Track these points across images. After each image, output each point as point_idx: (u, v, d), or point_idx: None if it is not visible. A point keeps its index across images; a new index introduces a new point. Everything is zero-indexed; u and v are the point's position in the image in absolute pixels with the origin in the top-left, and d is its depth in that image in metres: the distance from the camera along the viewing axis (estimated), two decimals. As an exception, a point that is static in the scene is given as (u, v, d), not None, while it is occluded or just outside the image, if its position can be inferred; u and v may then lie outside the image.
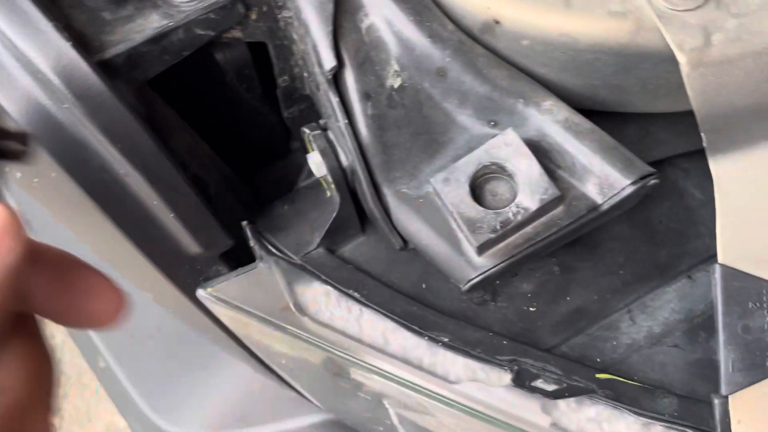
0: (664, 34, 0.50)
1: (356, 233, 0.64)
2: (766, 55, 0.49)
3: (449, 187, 0.54)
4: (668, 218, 0.65)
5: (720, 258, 0.53)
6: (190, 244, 0.58)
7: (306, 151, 0.62)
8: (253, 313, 0.60)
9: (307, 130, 0.59)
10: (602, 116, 0.60)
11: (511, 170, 0.53)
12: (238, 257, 0.65)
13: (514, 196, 0.54)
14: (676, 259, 0.63)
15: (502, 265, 0.55)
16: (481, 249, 0.53)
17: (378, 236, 0.64)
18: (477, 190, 0.55)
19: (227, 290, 0.61)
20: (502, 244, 0.54)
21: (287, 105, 0.69)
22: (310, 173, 0.68)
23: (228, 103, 0.71)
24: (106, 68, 0.50)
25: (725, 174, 0.54)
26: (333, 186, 0.61)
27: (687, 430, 0.54)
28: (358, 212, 0.62)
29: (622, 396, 0.56)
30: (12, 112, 0.47)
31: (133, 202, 0.53)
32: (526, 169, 0.53)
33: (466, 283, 0.55)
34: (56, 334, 1.93)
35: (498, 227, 0.52)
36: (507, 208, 0.52)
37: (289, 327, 0.60)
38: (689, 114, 0.53)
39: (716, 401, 0.52)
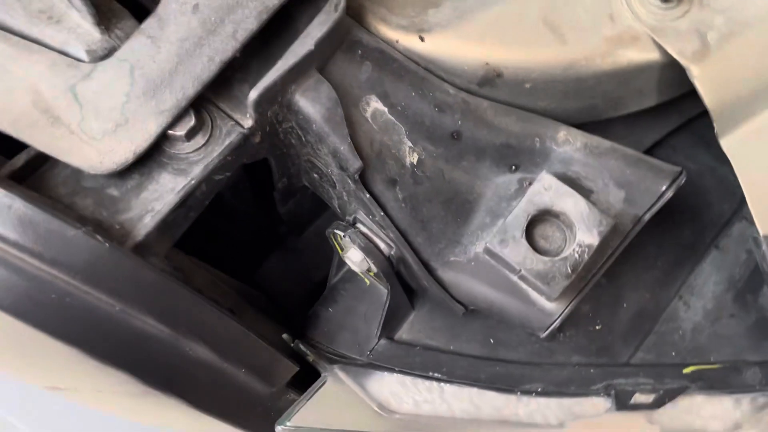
0: (664, 46, 0.52)
1: (408, 312, 0.62)
2: (757, 39, 0.52)
3: (508, 247, 0.53)
4: (677, 197, 0.68)
5: (762, 230, 0.56)
6: (261, 388, 0.55)
7: (337, 251, 0.60)
8: (343, 431, 0.58)
9: (339, 232, 0.57)
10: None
11: (557, 212, 0.54)
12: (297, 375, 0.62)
13: (565, 234, 0.54)
14: (699, 234, 0.66)
15: (574, 302, 0.55)
16: (560, 295, 0.53)
17: (429, 305, 0.63)
18: (530, 239, 0.55)
19: (307, 417, 0.58)
20: (571, 287, 0.54)
21: (284, 202, 0.66)
22: (339, 268, 0.65)
23: (223, 219, 0.67)
24: (139, 251, 0.45)
25: (738, 151, 0.57)
26: (375, 276, 0.59)
27: (779, 393, 0.57)
28: (405, 291, 0.61)
29: (713, 382, 0.58)
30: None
31: (204, 374, 0.49)
32: (572, 207, 0.53)
33: (545, 331, 0.56)
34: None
35: (569, 272, 0.52)
36: (570, 250, 0.53)
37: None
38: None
39: (800, 360, 0.56)
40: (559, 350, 0.61)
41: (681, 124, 0.70)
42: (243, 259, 0.76)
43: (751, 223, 0.67)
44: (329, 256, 0.79)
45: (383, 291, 0.62)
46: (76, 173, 0.47)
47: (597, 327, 0.62)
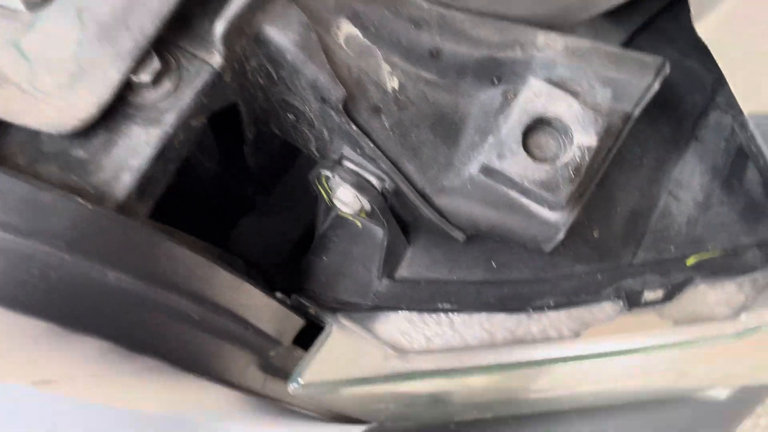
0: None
1: (405, 248, 0.59)
2: None
3: (507, 160, 0.51)
4: (651, 95, 0.67)
5: (745, 110, 0.56)
6: (269, 346, 0.51)
7: (322, 193, 0.56)
8: (360, 379, 0.55)
9: (326, 172, 0.53)
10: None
11: (551, 117, 0.52)
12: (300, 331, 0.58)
13: (559, 140, 0.53)
14: (678, 128, 0.66)
15: (576, 210, 0.54)
16: (566, 202, 0.51)
17: (425, 239, 0.60)
18: (526, 150, 0.53)
19: (318, 371, 0.55)
20: (575, 193, 0.53)
21: (254, 153, 0.62)
22: (326, 215, 0.62)
23: (188, 181, 0.62)
24: (122, 213, 0.40)
25: (715, 33, 0.56)
26: (368, 216, 0.56)
27: (781, 269, 0.58)
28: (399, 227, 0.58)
29: (716, 269, 0.59)
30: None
31: (212, 339, 0.45)
32: (566, 109, 0.51)
33: (551, 243, 0.54)
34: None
35: (572, 176, 0.51)
36: (571, 154, 0.51)
37: (398, 374, 0.56)
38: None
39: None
40: (561, 263, 0.60)
41: (642, 24, 0.69)
42: (213, 226, 0.71)
43: (725, 111, 0.68)
44: (305, 212, 0.76)
45: (378, 231, 0.59)
46: (34, 138, 0.42)
47: (594, 233, 0.61)
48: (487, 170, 0.52)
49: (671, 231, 0.61)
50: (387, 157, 0.52)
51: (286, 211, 0.74)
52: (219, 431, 0.93)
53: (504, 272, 0.59)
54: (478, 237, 0.60)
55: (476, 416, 0.89)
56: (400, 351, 0.56)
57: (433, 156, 0.54)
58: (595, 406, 0.98)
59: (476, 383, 0.59)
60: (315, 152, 0.57)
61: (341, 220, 0.60)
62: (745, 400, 1.02)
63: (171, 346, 0.43)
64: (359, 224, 0.59)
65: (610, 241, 0.61)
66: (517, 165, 0.51)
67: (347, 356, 0.56)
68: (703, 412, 0.98)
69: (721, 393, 0.87)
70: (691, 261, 0.59)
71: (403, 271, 0.59)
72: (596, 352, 0.56)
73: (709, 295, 0.59)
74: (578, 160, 0.51)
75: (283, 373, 0.55)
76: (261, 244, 0.74)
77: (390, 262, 0.58)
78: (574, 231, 0.61)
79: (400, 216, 0.57)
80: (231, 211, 0.73)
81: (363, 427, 0.99)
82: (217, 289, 0.44)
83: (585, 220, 0.62)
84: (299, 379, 0.54)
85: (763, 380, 0.88)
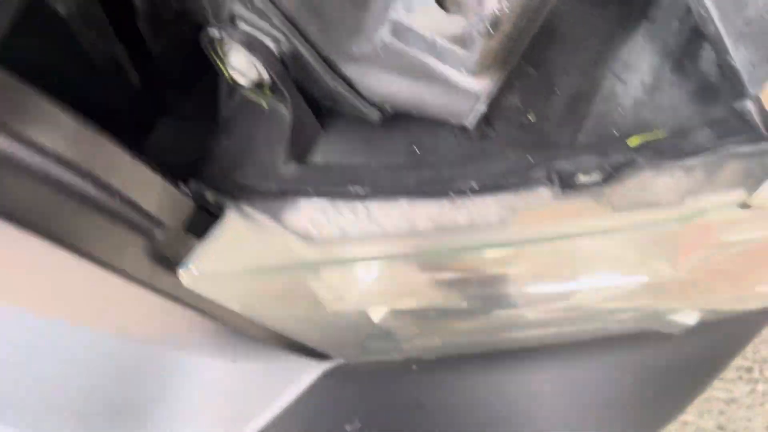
0: None
1: (316, 131, 0.54)
2: None
3: (416, 13, 0.45)
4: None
5: (694, -33, 0.50)
6: (149, 226, 0.46)
7: (218, 64, 0.51)
8: (261, 269, 0.50)
9: (215, 33, 0.47)
10: None
11: (468, -35, 0.46)
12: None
13: (479, -4, 0.47)
14: (626, 7, 0.60)
15: (501, 77, 0.48)
16: (483, 61, 0.46)
17: (341, 123, 0.55)
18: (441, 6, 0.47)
19: (213, 257, 0.49)
20: (493, 52, 0.47)
21: (154, 34, 0.56)
22: (229, 96, 0.56)
23: (86, 68, 0.56)
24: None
25: None
26: (272, 92, 0.50)
27: (733, 146, 0.52)
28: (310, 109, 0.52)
29: (663, 150, 0.53)
30: None
31: (61, 200, 0.40)
32: (484, -46, 0.46)
33: (472, 115, 0.49)
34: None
35: (489, 30, 0.45)
36: (487, 3, 0.45)
37: (305, 262, 0.50)
38: None
39: (749, 104, 0.50)
40: (491, 148, 0.54)
41: None
42: (125, 127, 0.65)
43: (679, -12, 0.61)
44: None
45: (285, 111, 0.54)
46: None
47: (530, 117, 0.55)
48: (397, 29, 0.46)
49: (615, 114, 0.56)
50: (281, 12, 0.46)
51: (207, 112, 0.68)
52: (173, 361, 0.89)
53: (426, 158, 0.54)
54: (400, 122, 0.54)
55: (426, 346, 0.84)
56: (309, 241, 0.51)
57: (339, 17, 0.48)
58: (562, 342, 0.92)
59: (398, 276, 0.54)
60: (213, 20, 0.51)
61: (246, 102, 0.54)
62: (717, 336, 0.96)
63: (14, 203, 0.37)
64: (265, 104, 0.53)
65: (546, 125, 0.55)
66: (427, 18, 0.45)
67: (247, 244, 0.50)
68: (679, 351, 0.92)
69: (690, 317, 0.82)
70: (634, 141, 0.53)
71: (314, 157, 0.54)
72: (527, 237, 0.50)
73: (656, 182, 0.53)
74: (497, 12, 0.45)
75: (175, 263, 0.50)
76: (180, 148, 0.68)
77: (299, 145, 0.53)
78: (507, 115, 0.56)
79: (308, 91, 0.51)
80: (145, 112, 0.67)
81: (327, 363, 0.94)
82: (71, 144, 0.38)
83: (519, 103, 0.56)
84: (190, 265, 0.49)
85: (731, 305, 0.83)
